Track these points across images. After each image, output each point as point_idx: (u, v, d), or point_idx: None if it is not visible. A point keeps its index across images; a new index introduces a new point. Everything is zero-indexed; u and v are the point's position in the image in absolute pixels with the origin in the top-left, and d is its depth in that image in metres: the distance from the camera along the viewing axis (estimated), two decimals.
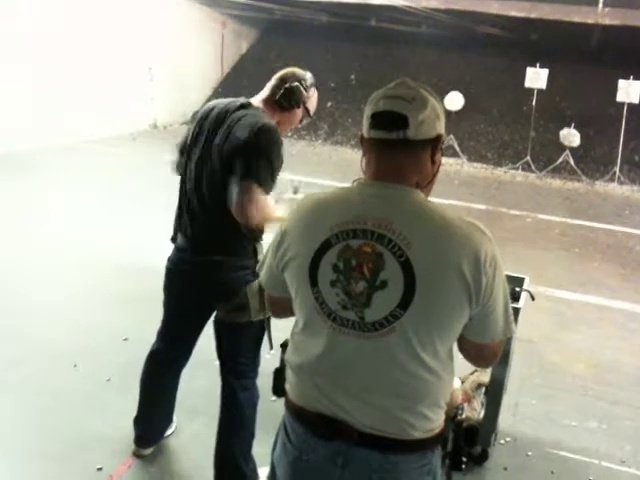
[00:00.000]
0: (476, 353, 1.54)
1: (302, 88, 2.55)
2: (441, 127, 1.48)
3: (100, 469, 2.81)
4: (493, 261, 1.39)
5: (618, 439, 3.37)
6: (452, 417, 1.62)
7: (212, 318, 2.67)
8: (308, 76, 2.61)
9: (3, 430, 3.06)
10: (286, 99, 2.53)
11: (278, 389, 1.66)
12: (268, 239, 2.55)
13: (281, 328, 1.80)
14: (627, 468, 3.15)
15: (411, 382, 1.42)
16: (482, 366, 1.54)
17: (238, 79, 13.71)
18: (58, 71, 9.68)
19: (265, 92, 2.55)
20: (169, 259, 2.68)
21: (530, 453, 3.19)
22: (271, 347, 2.64)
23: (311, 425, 1.49)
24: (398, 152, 1.44)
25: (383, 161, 1.46)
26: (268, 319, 2.58)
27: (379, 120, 1.43)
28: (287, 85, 2.53)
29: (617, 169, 10.61)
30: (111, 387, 3.43)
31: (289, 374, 1.58)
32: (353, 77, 13.66)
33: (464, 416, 1.66)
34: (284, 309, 1.63)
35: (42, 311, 4.27)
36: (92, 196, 7.10)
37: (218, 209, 2.45)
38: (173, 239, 2.67)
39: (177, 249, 2.64)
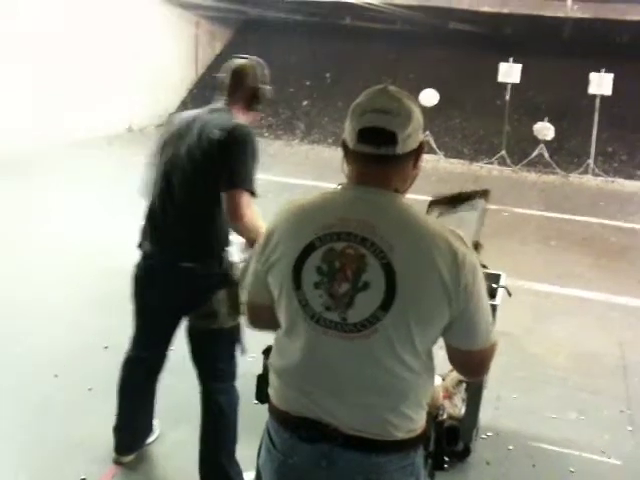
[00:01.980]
0: (464, 362, 1.57)
1: (265, 87, 2.61)
2: (422, 134, 1.52)
3: (84, 479, 2.80)
4: (472, 267, 1.43)
5: (598, 429, 3.43)
6: (434, 417, 1.64)
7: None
8: (266, 72, 2.65)
9: None
10: (257, 101, 2.61)
11: (261, 396, 1.67)
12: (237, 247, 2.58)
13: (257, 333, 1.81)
14: (607, 458, 3.20)
15: (393, 381, 1.45)
16: (473, 377, 1.57)
17: (213, 80, 13.63)
18: (55, 71, 9.75)
19: (231, 93, 2.57)
20: (136, 266, 2.66)
21: (511, 447, 3.23)
22: (243, 352, 2.65)
23: (295, 429, 1.51)
24: (385, 165, 1.48)
25: (369, 171, 1.49)
26: (239, 325, 2.59)
27: (367, 136, 1.45)
28: (253, 86, 2.58)
29: (591, 161, 10.75)
30: (93, 396, 3.41)
31: (273, 378, 1.59)
32: (328, 75, 13.67)
33: (445, 416, 1.68)
34: (264, 320, 1.65)
35: (20, 320, 4.22)
36: (73, 199, 7.04)
37: (190, 215, 2.47)
38: (140, 245, 2.66)
39: (145, 255, 2.63)
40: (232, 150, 2.40)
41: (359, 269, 1.40)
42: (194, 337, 2.64)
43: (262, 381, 1.68)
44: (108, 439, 2.90)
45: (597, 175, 10.64)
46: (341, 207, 1.47)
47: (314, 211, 1.50)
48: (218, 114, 2.52)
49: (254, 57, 2.68)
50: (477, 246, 1.65)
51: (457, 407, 3.03)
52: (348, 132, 1.50)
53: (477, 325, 1.47)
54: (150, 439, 3.04)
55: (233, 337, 2.60)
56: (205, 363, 2.65)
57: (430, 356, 1.51)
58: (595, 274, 5.95)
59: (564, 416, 3.54)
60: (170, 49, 13.08)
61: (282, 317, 1.54)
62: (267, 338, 1.70)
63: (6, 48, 8.85)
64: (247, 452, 2.78)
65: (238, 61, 2.63)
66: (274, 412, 1.57)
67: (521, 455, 3.18)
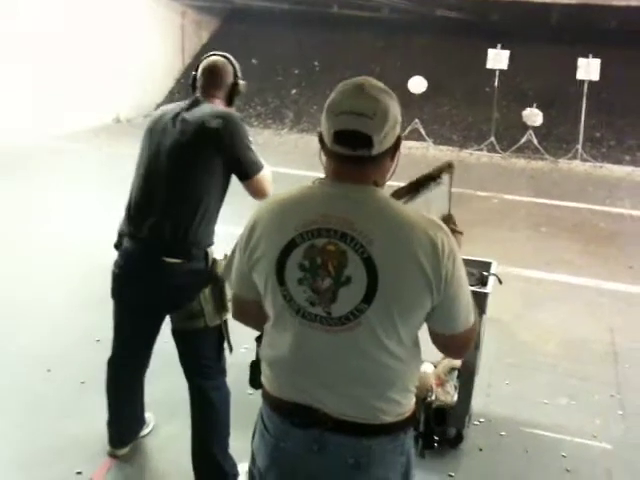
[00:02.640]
0: (446, 345, 1.60)
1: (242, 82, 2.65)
2: (399, 128, 1.53)
3: (79, 473, 2.81)
4: (451, 254, 1.46)
5: (588, 414, 3.46)
6: (423, 399, 1.68)
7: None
8: (238, 66, 2.67)
9: None
10: (237, 97, 2.64)
11: (255, 382, 1.70)
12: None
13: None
14: (598, 443, 3.24)
15: (379, 371, 1.48)
16: (456, 357, 1.60)
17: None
18: (47, 65, 9.75)
19: (208, 89, 2.58)
20: (116, 263, 2.61)
21: (504, 433, 3.26)
22: (231, 350, 2.65)
23: (288, 415, 1.54)
24: (362, 165, 1.49)
25: (346, 169, 1.50)
26: (225, 322, 2.59)
27: (342, 138, 1.46)
28: (233, 82, 2.61)
29: (579, 146, 10.78)
30: (86, 390, 3.41)
31: (264, 367, 1.62)
32: (317, 63, 13.62)
33: (434, 398, 1.71)
34: (251, 315, 1.67)
35: (12, 315, 4.21)
36: (61, 194, 7.00)
37: (177, 209, 2.45)
38: (117, 245, 2.61)
39: (125, 253, 2.57)
40: (234, 139, 2.44)
41: (340, 264, 1.43)
42: (180, 337, 2.62)
43: (255, 368, 1.71)
44: (102, 432, 2.91)
45: (585, 160, 10.68)
46: (320, 204, 1.49)
47: (294, 207, 1.52)
48: (203, 106, 2.51)
49: (225, 53, 2.68)
50: (449, 219, 1.66)
51: (449, 394, 3.05)
52: (324, 130, 1.50)
53: (458, 310, 1.51)
54: (144, 432, 3.04)
55: (220, 334, 2.60)
56: (193, 362, 2.64)
57: (416, 342, 1.55)
58: (585, 260, 5.99)
59: (555, 402, 3.57)
60: (156, 39, 12.99)
61: (269, 310, 1.56)
62: (247, 331, 1.71)
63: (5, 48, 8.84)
64: (241, 444, 2.80)
65: (213, 58, 2.63)
66: (267, 398, 1.61)
67: (513, 441, 3.21)
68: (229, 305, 2.53)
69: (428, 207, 1.74)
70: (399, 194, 1.71)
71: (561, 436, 3.27)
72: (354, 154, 1.46)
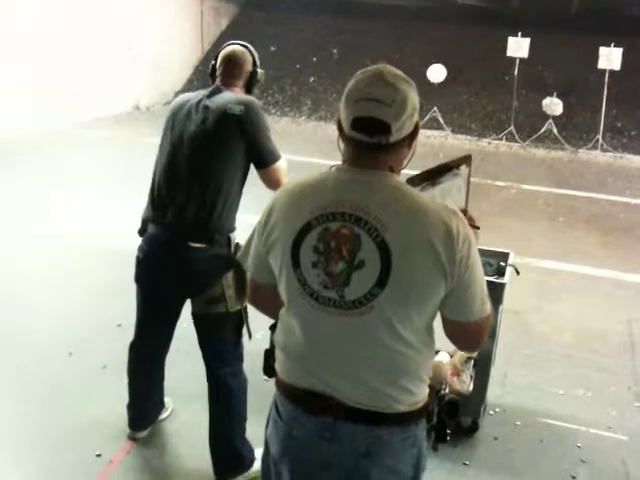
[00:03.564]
0: (460, 334, 1.59)
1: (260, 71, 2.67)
2: (417, 116, 1.53)
3: (99, 455, 2.87)
4: (466, 240, 1.46)
5: (604, 406, 3.47)
6: (437, 392, 1.69)
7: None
8: (257, 55, 2.69)
9: (0, 420, 3.10)
10: (256, 86, 2.66)
11: (269, 370, 1.72)
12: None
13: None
14: (613, 434, 3.24)
15: (392, 357, 1.49)
16: (469, 349, 1.60)
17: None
18: (62, 51, 9.80)
19: (228, 78, 2.60)
20: (140, 248, 2.65)
21: (519, 422, 3.28)
22: (250, 336, 2.68)
23: (300, 402, 1.56)
24: (379, 152, 1.50)
25: (362, 155, 1.51)
26: (245, 308, 2.62)
27: (360, 125, 1.47)
28: (252, 70, 2.63)
29: (600, 137, 10.67)
30: (107, 374, 3.47)
31: (278, 354, 1.64)
32: (335, 52, 13.56)
33: (447, 390, 1.72)
34: (266, 300, 1.69)
35: (34, 301, 4.28)
36: (82, 182, 7.07)
37: (200, 194, 2.47)
38: (141, 232, 2.65)
39: (150, 238, 2.61)
40: (255, 127, 2.47)
41: (354, 248, 1.44)
42: (201, 322, 2.65)
43: (269, 355, 1.73)
44: (122, 416, 2.97)
45: (606, 151, 10.57)
46: (336, 188, 1.51)
47: (310, 191, 1.54)
48: (224, 93, 2.54)
49: (244, 42, 2.69)
50: (465, 214, 1.67)
51: (465, 384, 3.07)
52: (343, 117, 1.52)
53: (473, 297, 1.50)
54: (163, 415, 3.10)
55: (240, 320, 2.63)
56: (212, 347, 2.68)
57: (429, 331, 1.55)
58: (602, 251, 5.95)
59: (571, 393, 3.58)
60: (175, 26, 12.99)
61: (284, 295, 1.58)
62: (264, 318, 1.74)
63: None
64: (258, 429, 2.84)
65: (232, 47, 2.65)
66: (280, 385, 1.63)
67: (528, 431, 3.22)
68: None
69: (444, 199, 1.74)
70: (414, 181, 1.71)
71: (576, 427, 3.28)
72: (371, 141, 1.47)
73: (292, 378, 1.59)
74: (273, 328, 1.71)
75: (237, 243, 2.59)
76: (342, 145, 1.56)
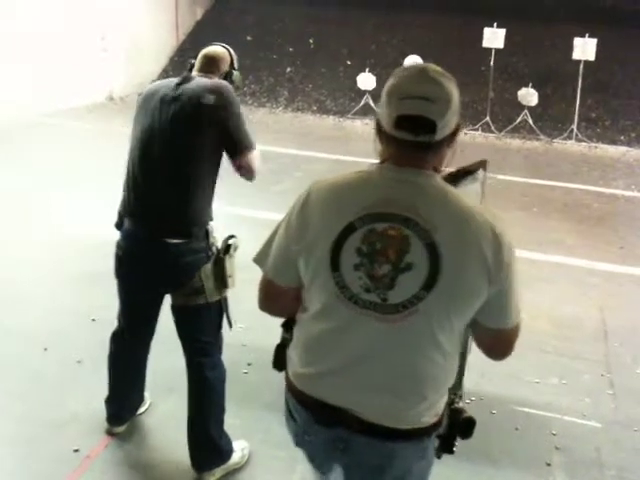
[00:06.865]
0: (493, 343, 1.59)
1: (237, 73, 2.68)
2: (459, 116, 1.50)
3: (77, 450, 2.84)
4: (511, 245, 1.46)
5: (579, 393, 3.52)
6: (449, 403, 1.67)
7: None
8: (236, 58, 2.70)
9: None
10: (230, 84, 2.63)
11: (278, 364, 1.68)
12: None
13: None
14: (587, 421, 3.29)
15: (425, 365, 1.47)
16: (499, 357, 1.57)
17: (194, 46, 13.40)
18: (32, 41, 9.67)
19: (206, 73, 2.58)
20: (118, 245, 2.63)
21: (495, 411, 3.31)
22: (230, 326, 2.68)
23: (313, 411, 1.54)
24: (423, 151, 1.47)
25: (406, 154, 1.48)
26: (225, 299, 2.62)
27: (405, 124, 1.42)
28: (228, 70, 2.63)
29: (574, 127, 10.78)
30: (83, 368, 3.44)
31: (293, 357, 1.59)
32: (312, 41, 13.52)
33: (461, 404, 1.70)
34: (282, 304, 1.63)
35: (8, 294, 4.23)
36: (54, 174, 6.98)
37: (176, 187, 2.45)
38: (118, 225, 2.63)
39: (129, 235, 2.59)
40: (228, 115, 2.45)
41: (402, 250, 1.40)
42: (180, 313, 2.64)
43: (280, 351, 1.67)
44: (99, 410, 2.95)
45: (580, 141, 10.69)
46: (381, 188, 1.47)
47: (352, 191, 1.49)
48: (196, 79, 2.52)
49: (225, 45, 2.71)
50: None
51: None
52: (384, 116, 1.47)
53: (511, 303, 1.50)
54: (141, 410, 3.08)
55: (219, 311, 2.63)
56: (191, 338, 2.66)
57: (460, 338, 1.54)
58: (576, 240, 6.02)
59: (546, 381, 3.62)
60: (149, 15, 12.84)
61: (314, 299, 1.52)
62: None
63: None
64: (236, 421, 2.85)
65: (213, 47, 2.67)
66: (291, 389, 1.59)
67: (504, 419, 3.26)
68: (229, 282, 2.58)
69: None
70: None
71: (551, 414, 3.32)
72: (416, 139, 1.43)
73: (305, 386, 1.55)
74: (285, 326, 1.67)
75: (215, 235, 2.59)
76: (379, 147, 1.51)
